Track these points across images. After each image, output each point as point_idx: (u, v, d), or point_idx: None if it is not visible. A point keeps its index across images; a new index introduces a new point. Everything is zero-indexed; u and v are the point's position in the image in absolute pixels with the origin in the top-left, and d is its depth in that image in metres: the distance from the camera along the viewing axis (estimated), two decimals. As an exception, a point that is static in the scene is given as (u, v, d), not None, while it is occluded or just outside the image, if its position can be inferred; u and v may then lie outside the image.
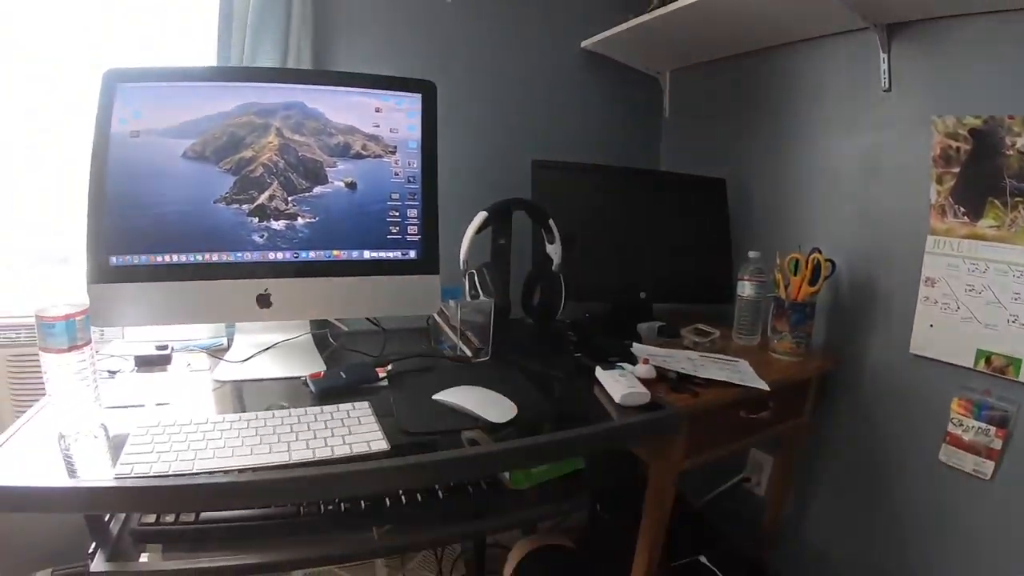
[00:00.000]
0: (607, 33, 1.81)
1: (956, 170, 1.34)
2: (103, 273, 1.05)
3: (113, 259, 1.06)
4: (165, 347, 1.22)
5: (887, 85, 1.46)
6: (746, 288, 1.58)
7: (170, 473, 0.79)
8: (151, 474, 0.78)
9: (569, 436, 0.99)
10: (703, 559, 1.43)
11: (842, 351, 1.57)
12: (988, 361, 1.28)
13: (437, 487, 1.03)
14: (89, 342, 0.92)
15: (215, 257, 1.11)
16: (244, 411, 0.98)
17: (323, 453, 0.85)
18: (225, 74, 1.24)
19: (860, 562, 1.54)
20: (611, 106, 2.05)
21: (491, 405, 1.02)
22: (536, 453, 0.98)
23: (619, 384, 1.13)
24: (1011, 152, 1.25)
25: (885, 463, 1.49)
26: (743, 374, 1.32)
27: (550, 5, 1.88)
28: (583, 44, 1.91)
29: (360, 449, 0.86)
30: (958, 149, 1.33)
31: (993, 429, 1.27)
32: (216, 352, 1.24)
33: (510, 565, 1.44)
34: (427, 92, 1.24)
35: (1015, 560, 1.25)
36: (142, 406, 1.00)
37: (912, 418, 1.42)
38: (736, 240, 1.80)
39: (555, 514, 1.14)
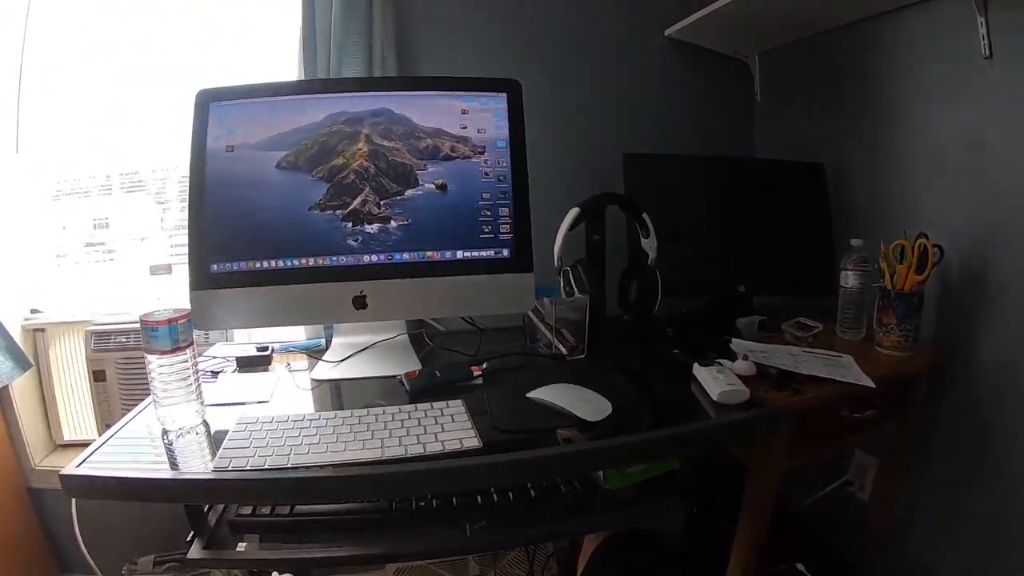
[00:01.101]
0: (691, 19, 1.75)
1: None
2: (204, 280, 1.12)
3: (213, 266, 1.12)
4: (266, 348, 1.28)
5: (987, 52, 1.34)
6: (849, 279, 1.49)
7: (266, 467, 0.82)
8: (247, 468, 0.82)
9: (664, 435, 0.97)
10: (800, 567, 1.37)
11: (954, 345, 1.45)
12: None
13: (529, 486, 1.03)
14: (191, 344, 0.97)
15: (311, 261, 1.16)
16: (340, 409, 1.01)
17: (415, 450, 0.86)
18: (312, 87, 1.30)
19: (966, 572, 1.43)
20: (700, 94, 1.98)
21: (585, 403, 1.01)
22: (630, 452, 0.96)
23: (717, 381, 1.10)
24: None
25: (1004, 469, 1.36)
26: (847, 370, 1.26)
27: (631, -7, 1.85)
28: (667, 32, 1.86)
29: (452, 446, 0.87)
30: (1077, 118, 1.21)
31: None
32: (315, 353, 1.29)
33: (587, 549, 1.40)
34: (512, 91, 1.25)
35: None
36: (243, 404, 1.06)
37: (1034, 416, 1.31)
38: (837, 228, 1.70)
39: (649, 515, 1.11)
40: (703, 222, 1.64)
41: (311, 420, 0.93)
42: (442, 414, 0.96)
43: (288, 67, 1.57)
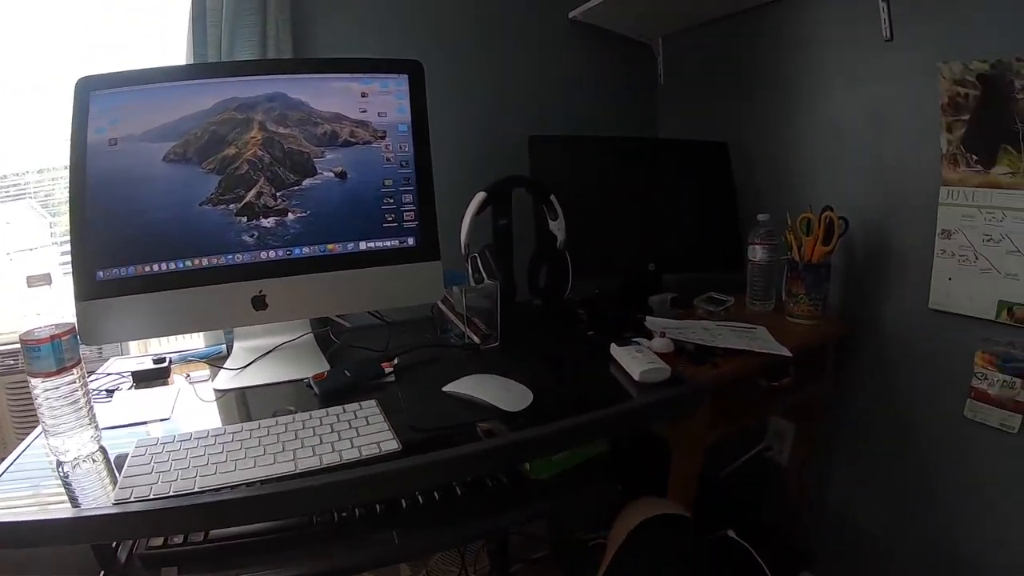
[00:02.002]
0: (594, 2, 1.75)
1: (966, 117, 1.28)
2: (89, 289, 1.01)
3: (100, 273, 1.02)
4: (163, 360, 1.17)
5: (888, 34, 1.40)
6: (757, 252, 1.53)
7: (171, 494, 0.74)
8: (151, 497, 0.74)
9: (589, 420, 0.94)
10: (731, 533, 1.39)
11: (860, 311, 1.52)
12: (1010, 312, 1.24)
13: (455, 484, 0.99)
14: (79, 363, 0.87)
15: (205, 262, 1.06)
16: (247, 420, 0.93)
17: (331, 459, 0.81)
18: (201, 71, 1.19)
19: (886, 524, 1.51)
20: (604, 76, 1.98)
21: (505, 393, 0.98)
22: (556, 440, 0.94)
23: (637, 360, 1.09)
24: (1022, 96, 1.20)
25: (909, 423, 1.45)
26: (763, 341, 1.28)
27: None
28: (571, 14, 1.85)
29: (370, 451, 0.82)
30: (967, 96, 1.28)
31: (1019, 381, 1.22)
32: (216, 361, 1.19)
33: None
34: (414, 72, 1.19)
35: None
36: (142, 424, 0.96)
37: (934, 375, 1.38)
38: (743, 204, 1.75)
39: (581, 501, 1.09)
40: (610, 203, 1.63)
41: (216, 436, 0.85)
42: (356, 417, 0.90)
43: (177, 50, 1.43)
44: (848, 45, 1.49)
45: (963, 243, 1.31)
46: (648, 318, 1.39)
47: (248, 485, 0.76)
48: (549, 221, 1.44)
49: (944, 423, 1.36)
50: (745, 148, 1.77)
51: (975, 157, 1.28)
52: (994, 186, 1.25)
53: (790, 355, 1.23)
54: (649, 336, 1.24)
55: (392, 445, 0.83)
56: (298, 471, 0.78)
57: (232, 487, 0.76)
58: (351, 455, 0.81)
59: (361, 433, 0.86)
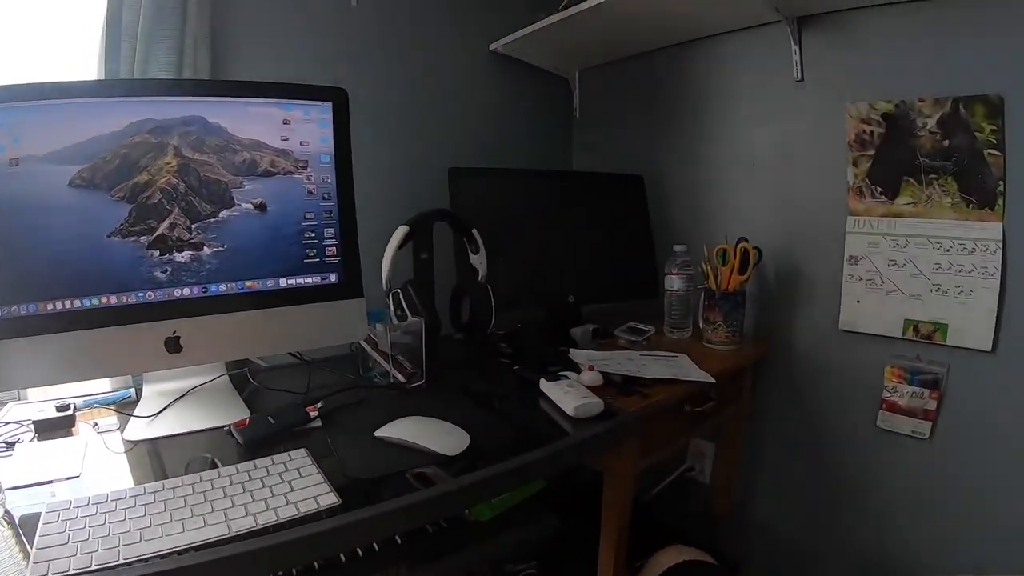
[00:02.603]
0: (515, 36, 1.77)
1: (871, 153, 1.38)
2: (-17, 329, 0.89)
3: (-6, 312, 0.90)
4: (67, 407, 1.05)
5: (799, 76, 1.48)
6: (674, 282, 1.58)
7: (93, 568, 0.66)
8: (71, 572, 0.65)
9: (533, 459, 0.92)
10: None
11: (774, 335, 1.59)
12: (916, 329, 1.34)
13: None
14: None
15: (113, 299, 0.97)
16: (166, 476, 0.85)
17: (266, 518, 0.74)
18: (113, 88, 1.06)
19: (810, 533, 1.59)
20: (522, 109, 2.00)
21: (441, 436, 0.95)
22: (501, 483, 0.91)
23: (569, 395, 1.08)
24: (923, 133, 1.30)
25: (825, 436, 1.53)
26: (687, 369, 1.32)
27: (458, 7, 1.81)
28: (492, 46, 1.86)
29: (308, 507, 0.77)
30: (872, 133, 1.37)
31: (927, 391, 1.33)
32: (125, 406, 1.09)
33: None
34: (338, 100, 1.14)
35: (957, 510, 1.32)
36: (49, 483, 0.85)
37: (847, 391, 1.47)
38: (658, 235, 1.79)
39: (524, 539, 1.08)
40: (529, 235, 1.62)
41: (135, 496, 0.77)
42: (286, 469, 0.84)
43: (89, 63, 1.30)
44: (761, 85, 1.58)
45: (870, 268, 1.40)
46: (572, 350, 1.40)
47: (179, 553, 0.69)
48: (470, 255, 1.42)
49: (858, 434, 1.46)
50: (660, 181, 1.83)
51: (879, 189, 1.37)
52: (897, 215, 1.35)
53: (714, 381, 1.27)
54: (575, 369, 1.25)
55: (330, 499, 0.78)
56: (232, 534, 0.72)
57: (162, 556, 0.68)
58: (288, 512, 0.76)
59: (295, 487, 0.80)
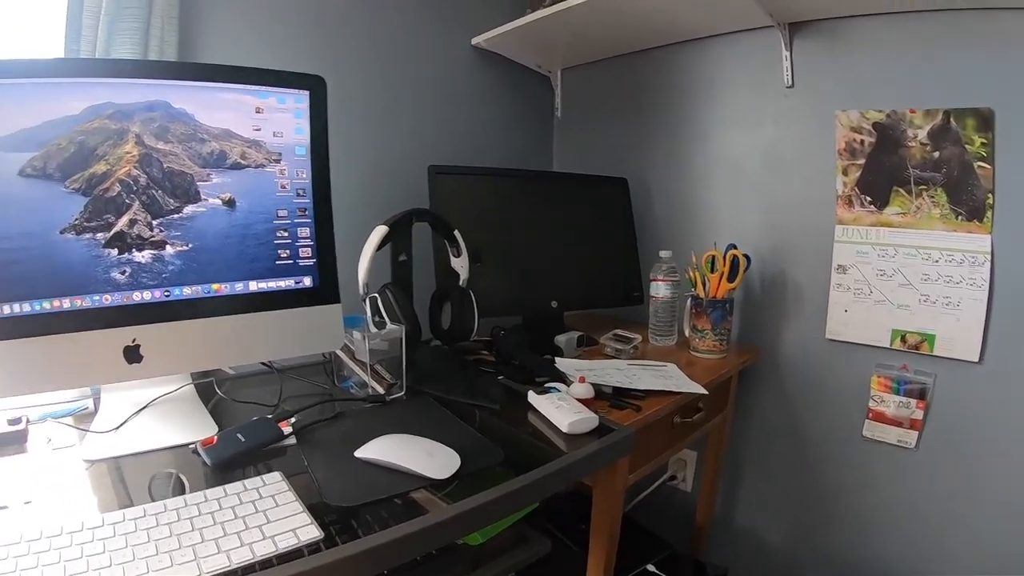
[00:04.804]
0: (497, 31, 1.72)
1: (861, 162, 1.36)
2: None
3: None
4: (18, 420, 0.94)
5: (790, 81, 1.46)
6: (660, 289, 1.54)
7: None
8: None
9: (531, 481, 0.85)
10: (651, 567, 1.38)
11: (761, 343, 1.57)
12: (903, 339, 1.33)
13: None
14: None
15: (67, 303, 0.87)
16: (129, 502, 0.76)
17: (241, 556, 0.65)
18: (71, 68, 0.94)
19: (795, 542, 1.58)
20: (502, 106, 1.93)
21: (428, 457, 0.87)
22: (499, 508, 0.83)
23: (562, 410, 1.02)
24: (913, 143, 1.28)
25: (810, 444, 1.52)
26: (677, 379, 1.27)
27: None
28: (473, 41, 1.79)
29: (287, 543, 0.68)
30: (862, 142, 1.35)
31: (913, 402, 1.32)
32: (81, 419, 0.99)
33: None
34: (316, 89, 1.06)
35: (943, 519, 1.32)
36: (5, 508, 0.75)
37: (834, 400, 1.46)
38: (642, 240, 1.75)
39: (520, 561, 1.01)
40: (511, 237, 1.55)
41: (94, 530, 0.68)
42: (260, 496, 0.76)
43: (55, 42, 1.18)
44: (750, 89, 1.55)
45: (858, 277, 1.38)
46: (558, 360, 1.34)
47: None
48: (452, 257, 1.34)
49: (844, 443, 1.45)
50: (645, 185, 1.79)
51: (868, 198, 1.35)
52: (886, 225, 1.33)
53: (706, 393, 1.24)
54: (561, 379, 1.19)
55: (312, 532, 0.70)
56: (204, 574, 0.63)
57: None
58: (264, 549, 0.67)
59: (271, 518, 0.72)
